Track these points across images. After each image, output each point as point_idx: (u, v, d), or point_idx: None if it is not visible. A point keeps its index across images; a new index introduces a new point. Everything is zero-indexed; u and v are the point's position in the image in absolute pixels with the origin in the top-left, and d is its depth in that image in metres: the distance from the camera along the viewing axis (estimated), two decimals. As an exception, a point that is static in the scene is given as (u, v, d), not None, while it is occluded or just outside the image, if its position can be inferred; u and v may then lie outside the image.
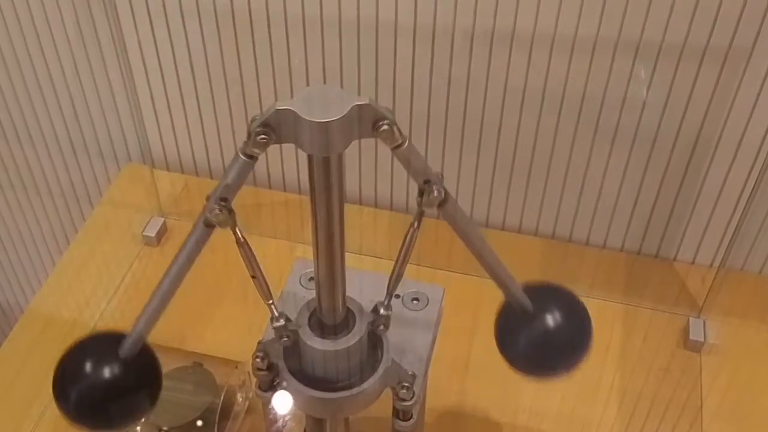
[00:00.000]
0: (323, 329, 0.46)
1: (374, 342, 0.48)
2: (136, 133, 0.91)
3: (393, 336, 0.49)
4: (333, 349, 0.45)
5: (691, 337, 0.75)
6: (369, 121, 0.37)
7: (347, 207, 0.42)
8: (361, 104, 0.36)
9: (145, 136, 0.90)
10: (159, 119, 0.89)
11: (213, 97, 0.85)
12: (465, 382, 0.72)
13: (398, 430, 0.52)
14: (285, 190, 0.91)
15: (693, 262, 0.83)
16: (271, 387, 0.52)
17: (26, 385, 0.72)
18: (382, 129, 0.37)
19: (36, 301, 0.81)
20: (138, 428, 0.65)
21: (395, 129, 0.37)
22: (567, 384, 0.72)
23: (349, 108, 0.36)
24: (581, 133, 0.77)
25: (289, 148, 0.89)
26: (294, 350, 0.47)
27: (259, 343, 0.48)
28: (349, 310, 0.46)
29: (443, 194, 0.41)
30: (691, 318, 0.76)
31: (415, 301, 0.55)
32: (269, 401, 0.54)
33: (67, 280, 0.83)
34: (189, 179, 0.92)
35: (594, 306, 0.77)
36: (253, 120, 0.38)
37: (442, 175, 0.41)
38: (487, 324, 0.77)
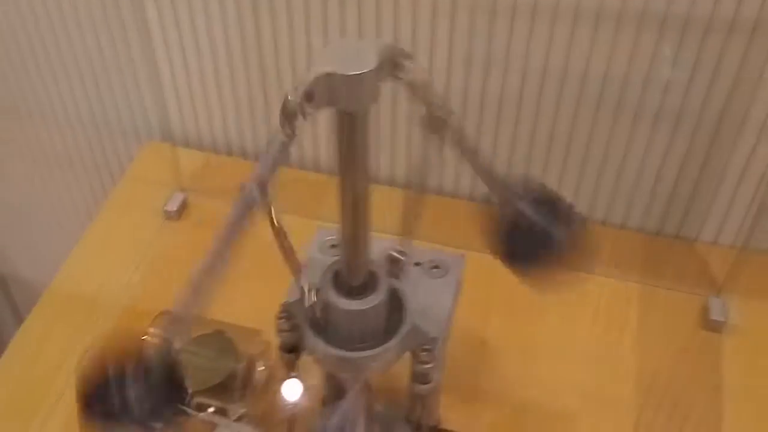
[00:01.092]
0: (347, 290, 0.47)
1: (396, 305, 0.49)
2: (157, 110, 0.92)
3: (413, 303, 0.50)
4: (357, 309, 0.46)
5: (711, 317, 0.74)
6: (390, 63, 0.37)
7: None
8: (387, 47, 0.36)
9: (165, 113, 0.91)
10: (180, 97, 0.90)
11: (232, 74, 0.86)
12: (482, 358, 0.72)
13: (417, 394, 0.52)
14: (302, 169, 0.91)
15: (714, 243, 0.82)
16: (294, 349, 0.53)
17: (49, 359, 0.73)
18: (405, 67, 0.37)
19: (59, 276, 0.82)
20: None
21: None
22: (585, 361, 0.72)
23: (378, 55, 0.36)
24: (603, 110, 0.77)
25: (306, 125, 0.89)
26: (317, 312, 0.48)
27: (282, 304, 0.49)
28: (371, 272, 0.47)
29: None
30: (711, 298, 0.76)
31: (435, 269, 0.55)
32: (292, 363, 0.54)
33: (89, 256, 0.84)
34: (209, 156, 0.93)
35: (612, 285, 0.78)
36: (288, 98, 0.37)
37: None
38: (503, 301, 0.78)
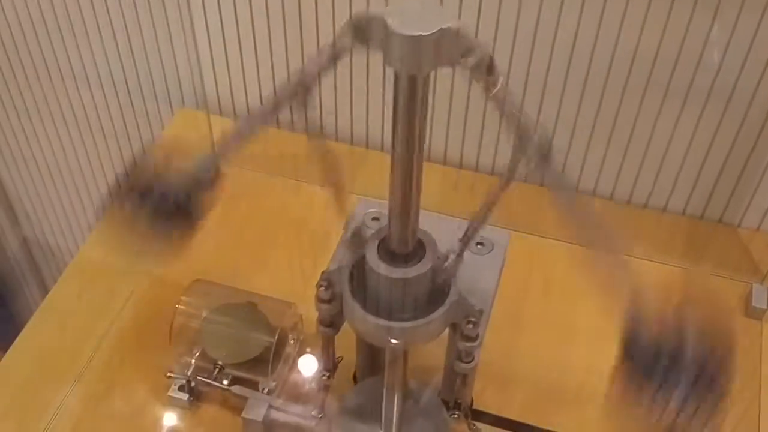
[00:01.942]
0: (393, 257, 0.45)
1: (442, 276, 0.47)
2: (191, 78, 0.91)
3: (458, 280, 0.48)
4: (403, 277, 0.44)
5: (753, 304, 0.72)
6: (458, 48, 0.35)
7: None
8: (451, 27, 0.35)
9: (200, 80, 0.90)
10: (215, 64, 0.88)
11: (271, 42, 0.84)
12: (517, 339, 0.71)
13: (457, 372, 0.51)
14: (337, 140, 0.90)
15: (758, 229, 0.80)
16: (332, 323, 0.52)
17: (76, 327, 0.72)
18: (470, 60, 0.35)
19: (87, 244, 0.82)
20: (193, 361, 0.65)
21: (488, 63, 0.35)
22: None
23: (439, 26, 0.34)
24: (650, 92, 0.74)
25: (343, 95, 0.87)
26: (359, 281, 0.47)
27: (323, 272, 0.47)
28: (419, 240, 0.45)
29: (546, 149, 0.38)
30: (754, 285, 0.74)
31: (480, 246, 0.54)
32: (330, 337, 0.53)
33: (119, 224, 0.83)
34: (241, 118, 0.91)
35: (652, 269, 0.76)
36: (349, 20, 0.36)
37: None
38: (541, 282, 0.76)
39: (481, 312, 0.47)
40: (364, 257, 0.46)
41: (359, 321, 0.47)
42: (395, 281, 0.45)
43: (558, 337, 0.71)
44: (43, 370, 0.69)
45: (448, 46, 0.35)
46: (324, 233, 0.79)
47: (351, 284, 0.47)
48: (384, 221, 0.48)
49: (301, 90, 0.38)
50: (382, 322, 0.46)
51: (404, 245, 0.45)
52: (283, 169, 0.85)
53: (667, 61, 0.72)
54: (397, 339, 0.47)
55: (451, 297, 0.46)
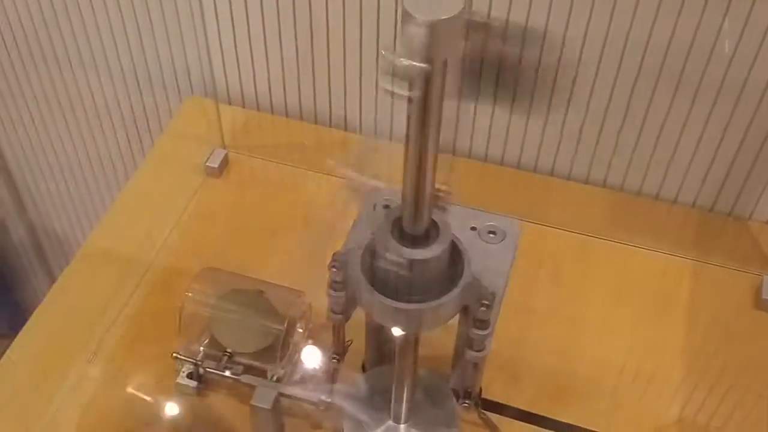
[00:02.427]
0: (406, 238, 0.45)
1: (454, 259, 0.47)
2: (200, 66, 0.90)
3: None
4: (417, 258, 0.44)
5: (763, 297, 0.72)
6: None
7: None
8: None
9: (210, 69, 0.90)
10: (224, 52, 0.88)
11: (280, 30, 0.84)
12: (526, 329, 0.71)
13: (467, 361, 0.51)
14: (346, 130, 0.90)
15: (769, 222, 0.80)
16: (344, 310, 0.51)
17: (84, 315, 0.72)
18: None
19: (96, 232, 0.82)
20: (201, 348, 0.65)
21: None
22: (632, 337, 0.71)
23: (460, 8, 0.34)
24: (662, 84, 0.74)
25: (353, 85, 0.87)
26: (371, 262, 0.46)
27: (335, 253, 0.47)
28: (433, 221, 0.45)
29: None
30: (765, 277, 0.73)
31: (491, 234, 0.54)
32: (340, 325, 0.53)
33: (128, 211, 0.83)
34: (250, 113, 0.91)
35: (661, 260, 0.76)
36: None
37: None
38: (550, 272, 0.76)
39: (494, 295, 0.47)
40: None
41: (372, 303, 0.46)
42: (408, 262, 0.44)
43: (568, 328, 0.71)
44: (50, 359, 0.69)
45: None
46: (333, 222, 0.79)
47: (363, 266, 0.46)
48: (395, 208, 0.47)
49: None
50: (393, 303, 0.45)
51: (418, 225, 0.44)
52: (292, 157, 0.85)
53: (679, 52, 0.71)
54: (409, 321, 0.46)
55: (465, 279, 0.46)
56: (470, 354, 0.50)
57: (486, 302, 0.46)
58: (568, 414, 0.65)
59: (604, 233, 0.78)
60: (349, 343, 0.58)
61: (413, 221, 0.44)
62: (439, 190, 0.45)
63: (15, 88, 1.01)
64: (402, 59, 0.34)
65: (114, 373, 0.68)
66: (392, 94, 0.36)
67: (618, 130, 0.79)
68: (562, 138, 0.81)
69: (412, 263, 0.44)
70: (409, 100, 0.38)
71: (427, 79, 0.37)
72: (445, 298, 0.45)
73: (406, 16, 0.34)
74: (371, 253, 0.46)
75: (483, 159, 0.85)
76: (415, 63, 0.34)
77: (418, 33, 0.34)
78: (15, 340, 0.70)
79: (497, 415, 0.64)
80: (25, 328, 0.71)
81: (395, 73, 0.35)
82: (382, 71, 0.35)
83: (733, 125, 0.74)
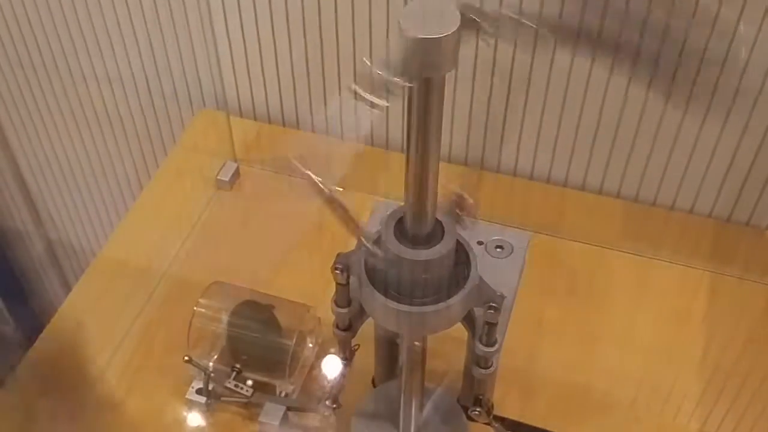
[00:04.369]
0: (410, 239, 0.44)
1: (461, 261, 0.46)
2: (211, 79, 0.90)
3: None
4: (421, 259, 0.43)
5: (781, 309, 0.71)
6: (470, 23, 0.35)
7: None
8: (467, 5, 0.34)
9: (221, 82, 0.90)
10: (235, 65, 0.88)
11: (291, 42, 0.84)
12: (538, 342, 0.70)
13: (475, 378, 0.50)
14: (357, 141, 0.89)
15: (787, 232, 0.79)
16: (349, 327, 0.51)
17: (98, 327, 0.72)
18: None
19: (108, 244, 0.82)
20: (211, 364, 0.65)
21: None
22: (647, 349, 0.69)
23: (459, 16, 0.33)
24: (676, 90, 0.73)
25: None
26: (375, 264, 0.45)
27: (338, 255, 0.46)
28: (438, 221, 0.44)
29: None
30: (782, 289, 0.72)
31: (498, 249, 0.53)
32: (347, 342, 0.53)
33: (140, 224, 0.83)
34: (261, 126, 0.91)
35: (677, 272, 0.75)
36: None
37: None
38: (564, 283, 0.75)
39: (502, 296, 0.45)
40: (380, 239, 0.44)
41: (375, 306, 0.45)
42: (413, 263, 0.43)
43: (581, 342, 0.70)
44: (62, 371, 0.69)
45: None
46: (343, 236, 0.78)
47: (366, 267, 0.45)
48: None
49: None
50: (398, 306, 0.44)
51: (422, 225, 0.43)
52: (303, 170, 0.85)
53: (693, 57, 0.70)
54: (412, 324, 0.45)
55: (472, 280, 0.45)
56: (477, 371, 0.49)
57: (494, 305, 0.45)
58: (584, 430, 0.64)
59: (618, 245, 0.77)
60: (356, 347, 0.58)
61: (417, 222, 0.43)
62: (462, 199, 0.44)
63: (30, 101, 1.02)
64: (381, 72, 0.34)
65: (125, 386, 0.68)
66: (369, 103, 0.36)
67: (632, 140, 0.77)
68: (575, 148, 0.80)
69: (414, 264, 0.43)
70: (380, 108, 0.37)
71: (428, 88, 0.36)
72: (450, 300, 0.44)
73: (401, 32, 0.34)
74: (374, 253, 0.45)
75: (495, 170, 0.85)
76: (396, 79, 0.33)
77: (408, 48, 0.33)
78: (29, 351, 0.70)
79: (509, 432, 0.63)
80: (39, 339, 0.71)
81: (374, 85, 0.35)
82: (361, 79, 0.35)
83: (750, 133, 0.73)
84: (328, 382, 0.62)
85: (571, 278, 0.75)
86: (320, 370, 0.66)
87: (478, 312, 0.47)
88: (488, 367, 0.48)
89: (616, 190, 0.82)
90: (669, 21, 0.68)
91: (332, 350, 0.63)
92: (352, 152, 0.91)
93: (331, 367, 0.64)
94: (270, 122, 0.91)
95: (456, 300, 0.45)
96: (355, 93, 0.36)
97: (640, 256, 0.76)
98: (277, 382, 0.64)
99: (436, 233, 0.44)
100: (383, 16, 0.77)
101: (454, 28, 0.33)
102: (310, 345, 0.66)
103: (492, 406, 0.61)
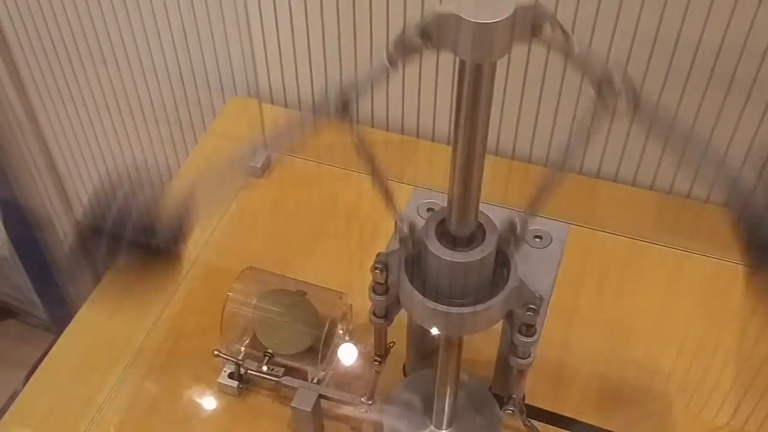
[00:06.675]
0: (451, 241, 0.44)
1: (501, 262, 0.46)
2: (244, 66, 0.91)
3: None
4: (462, 261, 0.43)
5: (819, 304, 0.70)
6: (528, 23, 0.34)
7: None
8: (524, 6, 0.33)
9: (253, 69, 0.90)
10: (268, 52, 0.88)
11: (324, 32, 0.83)
12: (571, 334, 0.69)
13: (512, 368, 0.50)
14: (387, 130, 0.89)
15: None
16: (386, 314, 0.51)
17: (128, 313, 0.72)
18: (544, 32, 0.34)
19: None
20: (242, 348, 0.65)
21: (560, 31, 0.34)
22: (682, 343, 0.69)
23: (513, 8, 0.33)
24: (693, 80, 0.72)
25: (395, 85, 0.86)
26: (416, 265, 0.45)
27: (378, 254, 0.46)
28: (479, 224, 0.44)
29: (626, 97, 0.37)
30: (820, 284, 0.71)
31: (537, 239, 0.53)
32: (382, 329, 0.53)
33: (171, 210, 0.83)
34: (292, 114, 0.91)
35: (712, 265, 0.74)
36: (406, 28, 0.35)
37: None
38: (598, 275, 0.74)
39: (541, 299, 0.45)
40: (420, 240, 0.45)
41: (413, 305, 0.45)
42: (453, 264, 0.43)
43: (615, 333, 0.70)
44: (94, 356, 0.70)
45: (517, 27, 0.34)
46: (375, 222, 0.78)
47: (406, 267, 0.46)
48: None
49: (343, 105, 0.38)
50: (438, 307, 0.44)
51: (464, 228, 0.43)
52: (333, 157, 0.85)
53: (710, 48, 0.69)
54: (450, 324, 0.45)
55: (511, 282, 0.45)
56: (515, 361, 0.48)
57: (533, 307, 0.45)
58: (616, 422, 0.64)
59: (652, 237, 0.76)
60: (392, 345, 0.58)
61: (459, 223, 0.43)
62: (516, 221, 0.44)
63: (63, 88, 1.03)
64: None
65: (157, 371, 0.68)
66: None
67: (648, 128, 0.76)
68: (608, 140, 0.79)
69: (455, 266, 0.43)
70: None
71: (477, 79, 0.36)
72: (490, 302, 0.44)
73: (449, 12, 0.33)
74: (415, 254, 0.45)
75: (527, 160, 0.84)
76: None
77: (475, 37, 0.33)
78: (59, 338, 0.71)
79: (542, 423, 0.62)
80: (70, 325, 0.72)
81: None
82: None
83: (766, 122, 0.72)
84: (364, 380, 0.63)
85: (604, 270, 0.74)
86: (354, 364, 0.66)
87: (517, 312, 0.47)
88: (527, 357, 0.48)
89: (650, 183, 0.81)
90: (686, 10, 0.67)
91: (366, 346, 0.63)
92: (381, 138, 0.91)
93: (366, 363, 0.64)
94: (301, 109, 0.91)
95: (495, 302, 0.45)
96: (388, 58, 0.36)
97: (674, 248, 0.75)
98: (308, 369, 0.64)
99: (477, 235, 0.44)
100: (418, 2, 0.76)
101: (509, 14, 0.33)
102: (341, 331, 0.67)
103: (524, 396, 0.61)
